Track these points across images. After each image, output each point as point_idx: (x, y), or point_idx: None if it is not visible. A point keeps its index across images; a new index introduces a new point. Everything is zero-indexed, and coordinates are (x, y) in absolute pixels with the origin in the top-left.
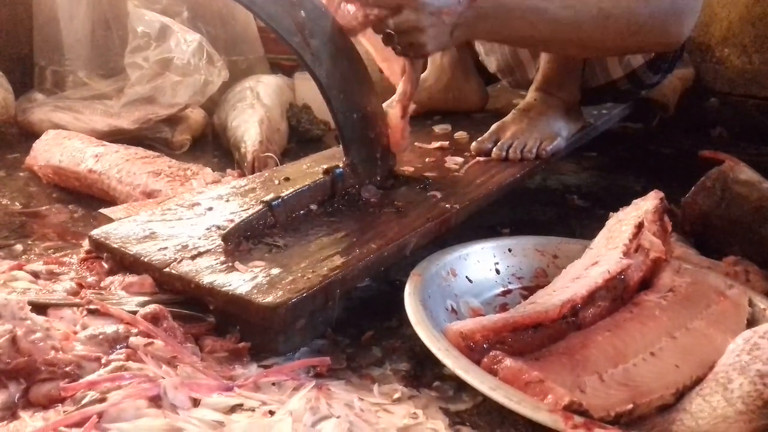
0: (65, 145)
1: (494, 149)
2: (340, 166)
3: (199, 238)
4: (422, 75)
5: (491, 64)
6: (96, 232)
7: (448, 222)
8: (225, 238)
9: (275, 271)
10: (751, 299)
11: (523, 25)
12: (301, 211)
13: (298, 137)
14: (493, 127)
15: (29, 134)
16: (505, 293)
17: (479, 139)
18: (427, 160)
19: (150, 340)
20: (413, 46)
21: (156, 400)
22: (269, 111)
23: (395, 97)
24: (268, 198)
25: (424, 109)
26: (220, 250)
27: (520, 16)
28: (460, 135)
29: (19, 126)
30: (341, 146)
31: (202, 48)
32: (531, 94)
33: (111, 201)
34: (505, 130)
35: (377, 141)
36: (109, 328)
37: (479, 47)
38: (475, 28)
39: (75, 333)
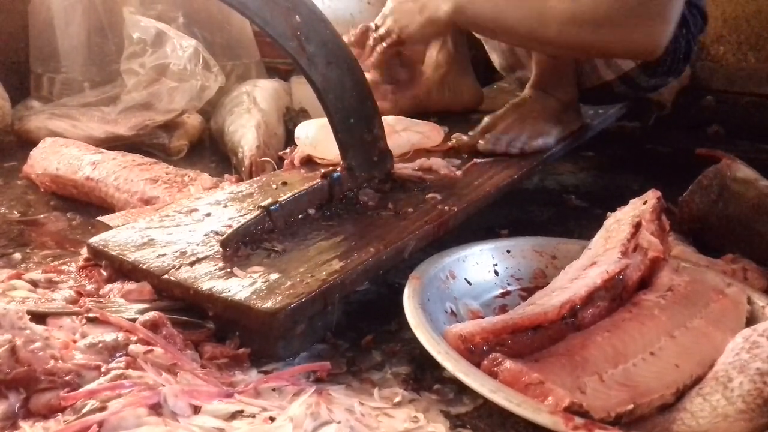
0: (62, 153)
1: (480, 142)
2: (338, 169)
3: (198, 245)
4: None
5: (495, 61)
6: (94, 240)
7: (446, 224)
8: (223, 243)
9: (274, 276)
10: (749, 297)
11: (484, 12)
12: (299, 216)
13: (295, 141)
14: (484, 120)
15: (26, 142)
16: (504, 295)
17: (470, 133)
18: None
19: (149, 347)
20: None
21: (156, 408)
22: (266, 115)
23: None
24: (266, 203)
25: (421, 105)
26: (219, 256)
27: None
28: (457, 137)
29: (16, 134)
30: (338, 150)
31: (198, 53)
32: (526, 91)
33: (109, 208)
34: (495, 125)
35: (374, 144)
36: (109, 336)
37: (486, 44)
38: (441, 6)
39: (74, 342)
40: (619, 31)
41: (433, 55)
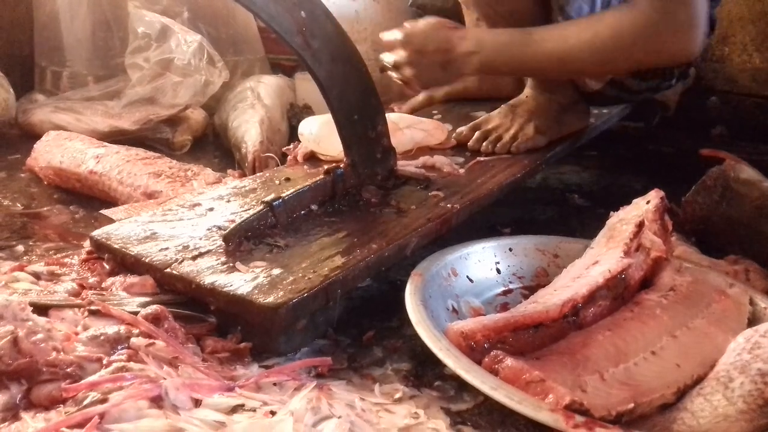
0: (66, 146)
1: (471, 140)
2: (341, 166)
3: (200, 239)
4: None
5: None
6: (97, 233)
7: (448, 222)
8: (226, 238)
9: (276, 271)
10: (751, 298)
11: (512, 59)
12: (302, 212)
13: (298, 138)
14: (480, 118)
15: (30, 135)
16: (506, 293)
17: (459, 129)
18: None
19: (151, 340)
20: (406, 79)
21: (157, 401)
22: (270, 111)
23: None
24: (268, 198)
25: (455, 96)
26: (221, 250)
27: (508, 52)
28: (458, 133)
29: (20, 127)
30: (342, 146)
31: (203, 48)
32: (524, 91)
33: (112, 202)
34: (488, 123)
35: (378, 141)
36: (111, 328)
37: None
38: (465, 62)
39: (76, 334)
40: (650, 48)
41: None
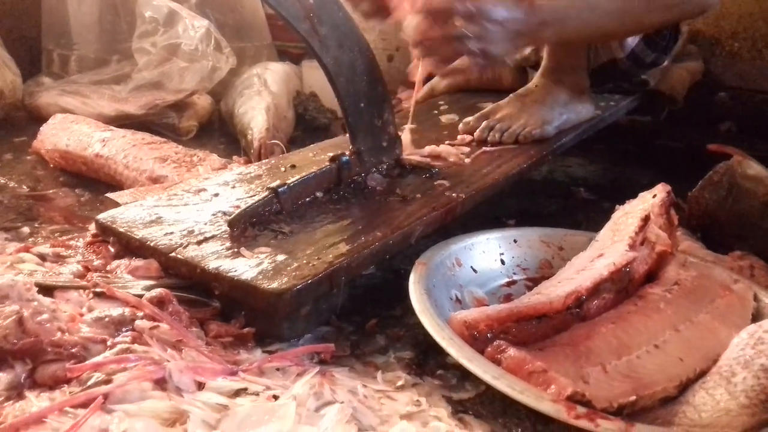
0: (72, 130)
1: (477, 130)
2: (347, 154)
3: (205, 224)
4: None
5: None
6: (102, 216)
7: (453, 211)
8: (231, 224)
9: (281, 257)
10: (756, 294)
11: (579, 24)
12: (307, 199)
13: (304, 125)
14: (486, 108)
15: (37, 118)
16: (509, 284)
17: (466, 119)
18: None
19: (155, 323)
20: (482, 51)
21: (161, 383)
22: (276, 98)
23: None
24: (274, 185)
25: (459, 87)
26: (226, 235)
27: (576, 17)
28: (465, 123)
29: (26, 109)
30: (348, 134)
31: (210, 34)
32: (534, 80)
33: (117, 186)
34: (495, 113)
35: (384, 129)
36: (115, 310)
37: None
38: (537, 34)
39: (81, 315)
40: None
41: None
